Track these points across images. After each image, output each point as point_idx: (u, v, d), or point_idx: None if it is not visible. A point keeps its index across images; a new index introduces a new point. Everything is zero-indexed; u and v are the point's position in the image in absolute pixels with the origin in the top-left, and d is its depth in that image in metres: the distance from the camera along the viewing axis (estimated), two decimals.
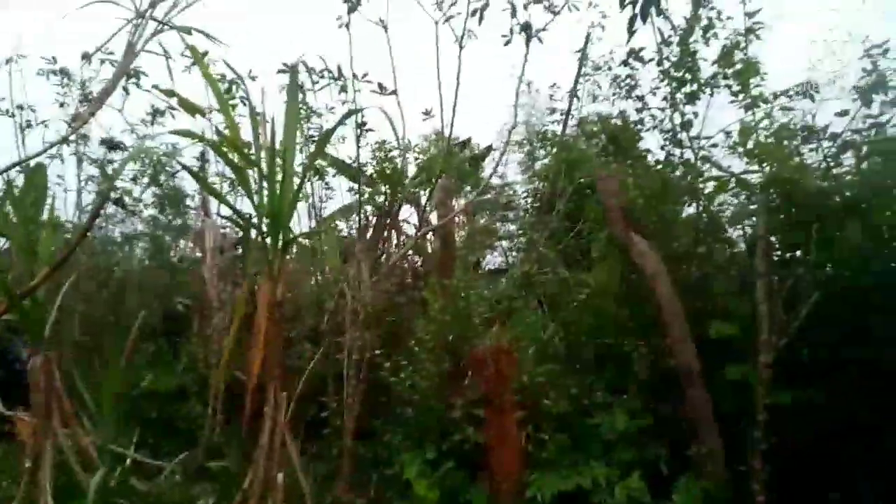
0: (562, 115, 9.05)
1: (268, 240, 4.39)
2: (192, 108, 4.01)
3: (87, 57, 7.10)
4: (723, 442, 5.06)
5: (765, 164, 5.42)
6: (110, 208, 9.02)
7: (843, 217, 4.63)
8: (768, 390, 4.52)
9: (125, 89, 7.59)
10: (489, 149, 10.66)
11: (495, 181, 11.97)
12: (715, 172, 6.36)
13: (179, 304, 8.32)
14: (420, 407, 5.60)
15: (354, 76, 6.04)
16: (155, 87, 5.19)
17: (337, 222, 8.68)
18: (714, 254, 5.67)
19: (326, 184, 8.32)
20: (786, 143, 5.44)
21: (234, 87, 6.49)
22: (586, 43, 8.39)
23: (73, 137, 8.27)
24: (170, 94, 4.19)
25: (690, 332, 5.21)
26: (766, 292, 4.60)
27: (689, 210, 6.90)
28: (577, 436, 5.31)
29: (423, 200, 7.92)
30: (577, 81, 8.77)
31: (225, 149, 4.19)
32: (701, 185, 6.14)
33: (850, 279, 4.69)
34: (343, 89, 6.21)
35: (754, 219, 5.58)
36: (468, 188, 10.29)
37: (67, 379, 5.23)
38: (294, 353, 6.59)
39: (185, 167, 6.27)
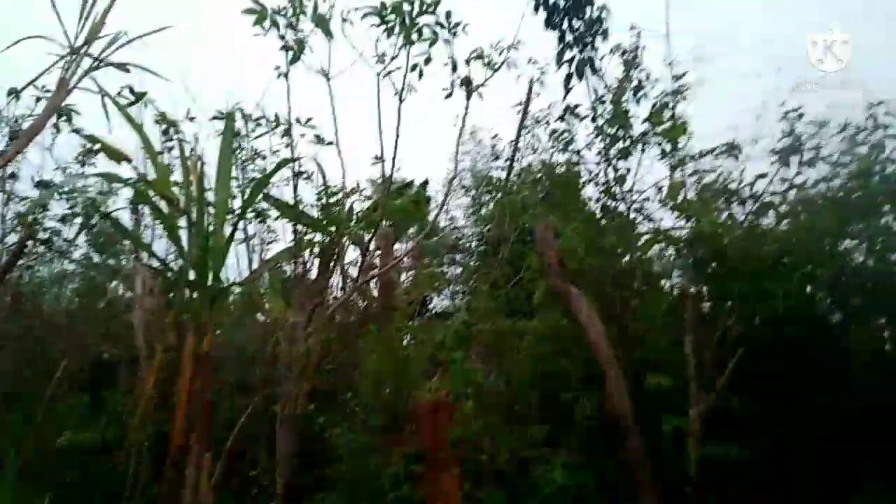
0: (506, 162, 9.25)
1: (194, 290, 4.23)
2: (117, 156, 3.89)
3: (14, 93, 6.84)
4: (659, 496, 5.08)
5: (691, 220, 5.66)
6: (40, 248, 8.61)
7: (766, 272, 4.83)
8: (699, 444, 4.58)
9: (56, 127, 7.33)
10: (425, 184, 10.73)
11: (442, 223, 12.11)
12: (648, 225, 6.59)
13: (104, 352, 7.90)
14: (355, 463, 5.41)
15: (298, 122, 6.03)
16: (75, 131, 5.01)
17: (281, 265, 8.51)
18: (648, 305, 5.79)
19: (268, 227, 8.18)
20: (710, 200, 5.68)
21: (171, 129, 6.35)
22: (528, 97, 8.68)
23: None
24: (93, 140, 4.05)
25: (628, 382, 5.26)
26: (695, 346, 4.71)
27: (624, 261, 7.12)
28: (515, 492, 5.23)
29: (367, 244, 7.88)
30: (519, 133, 9.03)
31: (152, 195, 4.06)
32: (634, 238, 6.32)
33: (773, 333, 4.86)
34: (287, 133, 6.16)
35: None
36: (413, 231, 10.31)
37: None
38: (225, 406, 6.32)
39: (107, 215, 6.04)
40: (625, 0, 7.77)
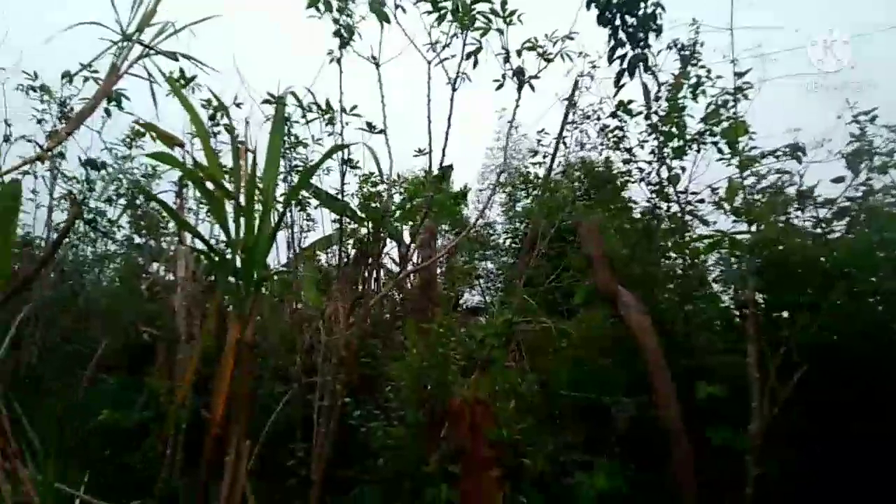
0: (545, 157, 9.06)
1: (240, 277, 4.16)
2: (170, 140, 3.83)
3: (68, 76, 6.91)
4: None
5: (753, 224, 5.39)
6: (84, 227, 8.73)
7: (832, 282, 4.56)
8: (758, 460, 4.35)
9: (106, 111, 7.40)
10: (450, 167, 10.58)
11: (473, 218, 11.99)
12: (701, 228, 6.33)
13: (145, 333, 7.95)
14: (392, 459, 5.31)
15: (343, 110, 5.93)
16: (136, 122, 5.01)
17: (317, 253, 8.47)
18: (702, 311, 5.55)
19: (308, 215, 8.14)
20: (774, 204, 5.40)
21: (218, 115, 6.33)
22: (573, 91, 8.47)
23: (49, 154, 8.02)
24: (149, 127, 4.00)
25: (676, 390, 5.05)
26: (757, 358, 4.47)
27: (671, 263, 6.87)
28: (555, 496, 5.07)
29: (406, 237, 7.78)
30: (563, 128, 8.81)
31: (201, 178, 3.99)
32: (689, 241, 6.08)
33: (841, 347, 4.59)
34: (331, 122, 6.08)
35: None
36: (448, 225, 10.18)
37: (15, 412, 4.88)
38: (261, 393, 6.29)
39: (154, 198, 6.03)
40: None
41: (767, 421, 4.39)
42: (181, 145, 3.74)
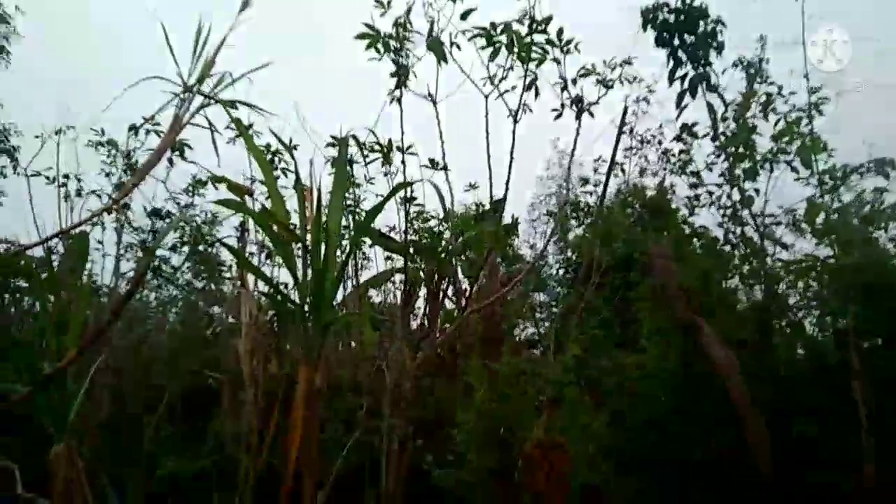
0: (596, 186, 8.84)
1: (308, 320, 4.08)
2: (239, 190, 3.85)
3: (134, 129, 7.15)
4: None
5: (839, 247, 5.02)
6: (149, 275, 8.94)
7: None
8: None
9: (170, 161, 7.61)
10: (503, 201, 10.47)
11: (527, 251, 11.76)
12: (782, 253, 5.98)
13: (210, 378, 7.99)
14: None
15: (401, 149, 5.88)
16: (212, 178, 5.07)
17: (370, 293, 8.40)
18: (787, 343, 5.17)
19: (363, 253, 8.11)
20: (866, 224, 5.04)
21: (276, 159, 6.39)
22: (624, 114, 8.27)
23: (117, 206, 8.29)
24: (217, 179, 4.03)
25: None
26: (864, 393, 4.09)
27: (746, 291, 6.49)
28: None
29: (460, 273, 7.63)
30: (615, 153, 8.59)
31: (267, 222, 3.97)
32: (768, 267, 5.73)
33: None
34: (387, 161, 6.03)
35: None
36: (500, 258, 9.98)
37: (90, 466, 4.88)
38: (326, 436, 6.18)
39: (220, 241, 6.10)
40: (743, 13, 7.26)
41: (885, 463, 3.98)
42: (251, 194, 3.73)
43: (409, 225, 5.63)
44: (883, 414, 4.05)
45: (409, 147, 6.09)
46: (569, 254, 12.48)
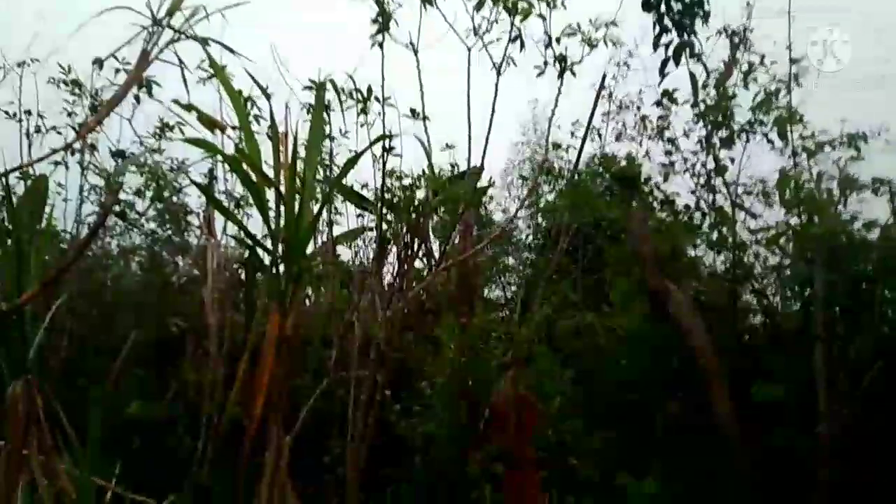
0: (567, 149, 8.83)
1: (281, 267, 4.00)
2: (211, 124, 3.67)
3: (98, 62, 6.79)
4: None
5: (810, 217, 5.12)
6: (110, 220, 8.65)
7: None
8: (828, 466, 4.11)
9: (136, 98, 7.28)
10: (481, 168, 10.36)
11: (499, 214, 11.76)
12: (750, 222, 6.08)
13: (175, 325, 7.85)
14: (431, 458, 5.14)
15: (377, 99, 5.72)
16: (175, 101, 4.85)
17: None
18: (759, 310, 5.30)
19: (335, 208, 7.97)
20: (831, 195, 5.14)
21: (250, 104, 6.13)
22: (603, 80, 8.22)
23: (78, 146, 7.95)
24: (188, 108, 3.84)
25: (730, 391, 4.82)
26: (826, 357, 4.22)
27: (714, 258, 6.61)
28: (602, 500, 4.86)
29: (432, 234, 7.57)
30: (592, 116, 8.56)
31: (240, 164, 3.83)
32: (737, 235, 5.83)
33: None
34: (363, 111, 5.85)
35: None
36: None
37: (50, 406, 4.77)
38: (295, 388, 6.16)
39: (193, 182, 5.92)
40: None
41: (839, 423, 4.14)
42: (223, 129, 3.58)
43: (384, 181, 5.49)
44: (840, 377, 4.19)
45: (388, 98, 5.94)
46: (539, 219, 12.53)
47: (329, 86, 4.78)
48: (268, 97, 4.31)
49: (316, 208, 4.37)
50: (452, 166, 8.56)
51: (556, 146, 10.22)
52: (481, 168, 9.40)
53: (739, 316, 5.81)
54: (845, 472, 4.12)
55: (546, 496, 4.70)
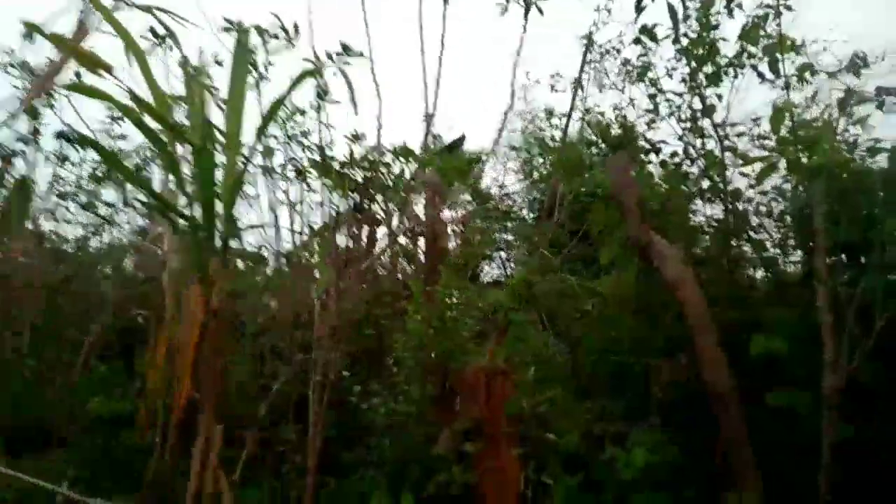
0: (562, 116, 8.30)
1: (199, 234, 3.51)
2: (94, 63, 3.14)
3: (31, 27, 6.26)
4: (762, 485, 4.14)
5: (807, 148, 4.55)
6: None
7: None
8: (836, 423, 3.59)
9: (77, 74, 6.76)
10: (462, 138, 9.77)
11: (492, 187, 11.22)
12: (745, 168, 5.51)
13: (139, 315, 7.39)
14: (397, 439, 4.67)
15: (296, 28, 5.03)
16: (54, 35, 4.30)
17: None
18: (752, 258, 4.76)
19: (308, 185, 7.44)
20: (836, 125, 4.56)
21: (162, 46, 5.45)
22: (591, 38, 7.67)
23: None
24: (56, 39, 3.31)
25: (726, 347, 4.30)
26: (831, 302, 3.68)
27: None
28: (587, 476, 4.37)
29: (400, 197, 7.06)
30: (581, 70, 8.00)
31: (139, 114, 3.31)
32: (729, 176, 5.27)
33: None
34: (290, 43, 5.11)
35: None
36: (462, 193, 9.44)
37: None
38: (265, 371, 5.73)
39: (91, 142, 5.39)
40: None
41: (844, 377, 3.61)
42: (107, 69, 3.05)
43: (321, 125, 4.95)
44: (843, 326, 3.66)
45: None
46: (535, 195, 11.97)
47: (252, 28, 4.23)
48: (175, 39, 3.77)
49: (242, 165, 3.86)
50: (434, 136, 8.07)
51: (550, 113, 9.70)
52: (462, 138, 8.89)
53: (736, 269, 5.27)
54: (848, 431, 3.61)
55: (523, 475, 4.22)
